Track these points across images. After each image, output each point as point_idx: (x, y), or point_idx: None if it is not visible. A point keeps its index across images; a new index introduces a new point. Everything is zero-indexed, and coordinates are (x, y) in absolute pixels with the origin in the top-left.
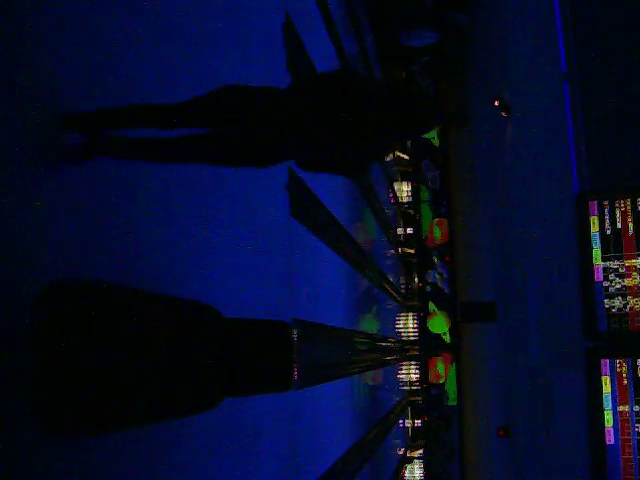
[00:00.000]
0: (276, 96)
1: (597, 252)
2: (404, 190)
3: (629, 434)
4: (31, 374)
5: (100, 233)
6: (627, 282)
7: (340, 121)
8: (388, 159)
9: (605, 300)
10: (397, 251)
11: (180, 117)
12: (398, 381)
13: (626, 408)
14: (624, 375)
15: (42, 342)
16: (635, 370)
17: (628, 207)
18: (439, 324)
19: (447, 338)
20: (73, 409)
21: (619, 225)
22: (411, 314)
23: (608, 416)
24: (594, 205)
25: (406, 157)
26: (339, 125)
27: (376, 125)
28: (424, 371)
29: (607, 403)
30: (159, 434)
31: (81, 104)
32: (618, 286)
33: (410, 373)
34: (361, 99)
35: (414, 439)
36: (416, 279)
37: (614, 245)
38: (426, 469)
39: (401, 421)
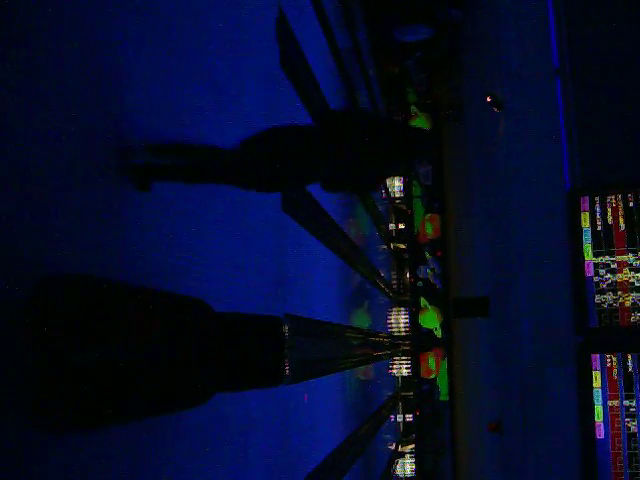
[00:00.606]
0: (304, 132)
1: (588, 248)
2: (396, 185)
3: (619, 428)
4: (21, 370)
5: (92, 229)
6: (618, 278)
7: (354, 151)
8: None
9: (596, 295)
10: (389, 246)
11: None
12: (390, 376)
13: (616, 403)
14: (614, 370)
15: (32, 338)
16: (625, 365)
17: (619, 203)
18: (431, 319)
19: (439, 333)
20: (63, 405)
21: (610, 221)
22: (403, 309)
23: (598, 411)
24: (585, 201)
25: None
26: (354, 153)
27: (383, 154)
28: (416, 366)
29: (597, 398)
30: (149, 429)
31: (76, 93)
32: (609, 282)
33: (402, 368)
34: (371, 133)
35: (405, 434)
36: (408, 274)
37: (605, 241)
38: (417, 464)
39: (392, 416)
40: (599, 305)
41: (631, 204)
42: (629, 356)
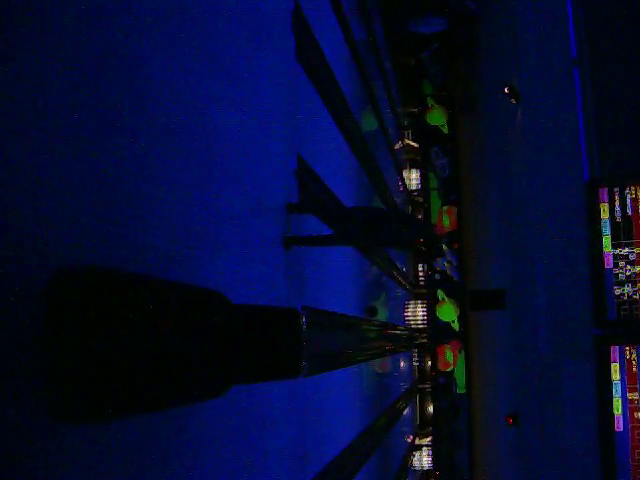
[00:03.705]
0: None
1: (607, 239)
2: (413, 178)
3: (638, 421)
4: (39, 362)
5: (108, 222)
6: (637, 269)
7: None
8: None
9: (615, 287)
10: None
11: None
12: (407, 369)
13: (635, 395)
14: (634, 362)
15: (49, 330)
16: None
17: (639, 194)
18: (448, 312)
19: (456, 326)
20: (80, 396)
21: (629, 212)
22: (420, 302)
23: (617, 403)
24: (604, 192)
25: (415, 145)
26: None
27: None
28: (433, 359)
29: (616, 390)
30: (167, 421)
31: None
32: (628, 273)
33: (419, 361)
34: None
35: (422, 427)
36: (425, 267)
37: (624, 232)
38: (434, 456)
39: (410, 409)
40: (618, 297)
41: None
42: None
